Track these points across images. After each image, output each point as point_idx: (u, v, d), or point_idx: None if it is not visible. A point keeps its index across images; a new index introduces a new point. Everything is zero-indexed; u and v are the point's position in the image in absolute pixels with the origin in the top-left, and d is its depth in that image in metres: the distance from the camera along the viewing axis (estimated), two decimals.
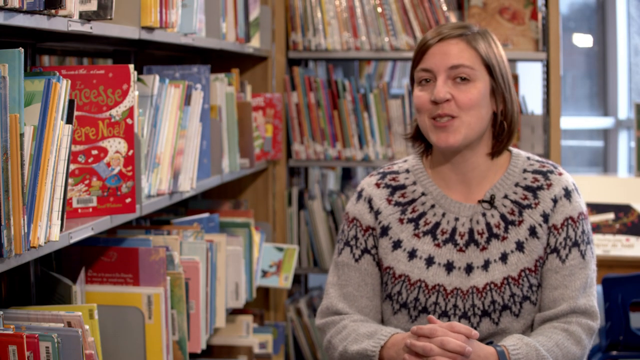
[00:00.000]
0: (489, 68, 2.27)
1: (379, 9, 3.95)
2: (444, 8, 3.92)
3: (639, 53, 6.11)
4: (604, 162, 6.23)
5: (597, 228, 3.79)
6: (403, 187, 2.38)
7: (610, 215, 3.81)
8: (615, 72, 6.07)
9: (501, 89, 2.29)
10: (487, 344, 2.21)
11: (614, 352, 3.21)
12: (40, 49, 2.75)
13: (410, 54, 3.94)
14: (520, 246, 2.28)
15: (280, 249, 3.66)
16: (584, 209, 2.34)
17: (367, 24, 3.96)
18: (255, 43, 3.71)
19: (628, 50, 6.09)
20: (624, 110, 6.07)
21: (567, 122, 5.69)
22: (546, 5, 3.89)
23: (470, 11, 3.90)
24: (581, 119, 6.16)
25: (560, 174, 2.34)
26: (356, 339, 2.27)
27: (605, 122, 6.13)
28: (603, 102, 6.17)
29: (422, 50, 2.29)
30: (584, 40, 6.25)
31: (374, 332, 2.26)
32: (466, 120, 2.24)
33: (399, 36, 3.95)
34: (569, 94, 6.27)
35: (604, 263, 3.61)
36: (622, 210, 3.81)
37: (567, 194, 2.31)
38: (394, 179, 2.39)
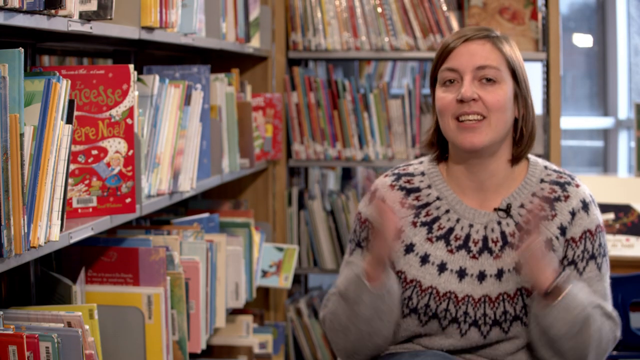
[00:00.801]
0: (513, 71, 2.25)
1: (379, 9, 3.95)
2: (444, 8, 3.92)
3: (639, 53, 6.11)
4: (604, 162, 6.23)
5: None
6: (418, 189, 2.34)
7: (610, 215, 3.80)
8: (615, 72, 6.07)
9: (524, 93, 2.27)
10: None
11: (614, 352, 3.21)
12: (40, 49, 2.75)
13: (410, 54, 3.96)
14: None
15: (280, 249, 3.66)
16: (601, 221, 2.31)
17: (367, 24, 3.96)
18: (255, 43, 3.71)
19: (628, 50, 6.09)
20: (624, 110, 6.07)
21: (567, 122, 5.69)
22: (546, 5, 3.89)
23: (470, 11, 3.90)
24: (581, 119, 6.16)
25: (577, 185, 2.31)
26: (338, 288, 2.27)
27: (605, 122, 6.13)
28: (603, 102, 6.17)
29: (446, 52, 2.26)
30: (584, 40, 6.25)
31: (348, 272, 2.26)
32: (494, 122, 2.21)
33: (399, 36, 3.95)
34: (569, 94, 6.26)
35: None
36: (622, 210, 3.81)
37: (585, 206, 2.29)
38: (408, 181, 2.35)
